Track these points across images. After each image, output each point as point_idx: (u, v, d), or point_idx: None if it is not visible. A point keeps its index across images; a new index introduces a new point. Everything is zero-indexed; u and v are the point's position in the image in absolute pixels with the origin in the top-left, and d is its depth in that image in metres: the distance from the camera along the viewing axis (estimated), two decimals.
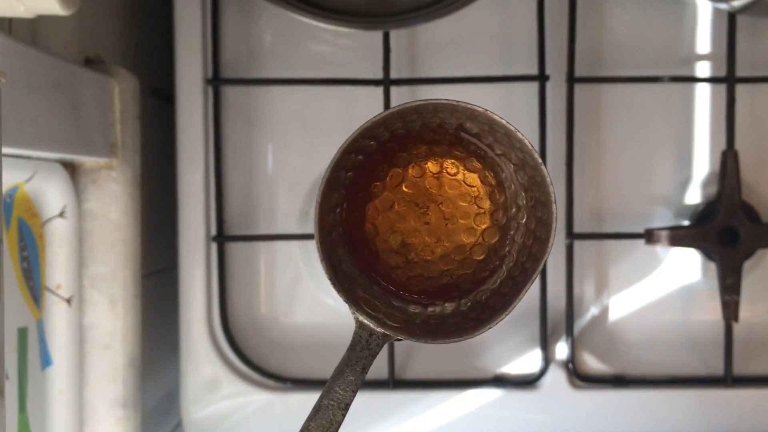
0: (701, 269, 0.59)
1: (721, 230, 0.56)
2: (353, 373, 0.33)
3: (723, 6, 0.56)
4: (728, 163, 0.56)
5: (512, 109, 0.58)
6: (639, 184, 0.59)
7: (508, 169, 0.35)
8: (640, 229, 0.57)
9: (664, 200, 0.59)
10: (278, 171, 0.59)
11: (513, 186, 0.35)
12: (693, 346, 0.59)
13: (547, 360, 0.58)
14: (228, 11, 0.59)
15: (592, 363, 0.59)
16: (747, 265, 0.57)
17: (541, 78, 0.57)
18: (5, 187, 0.44)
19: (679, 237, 0.56)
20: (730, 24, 0.57)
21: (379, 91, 0.57)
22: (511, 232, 0.36)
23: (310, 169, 0.59)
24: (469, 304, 0.36)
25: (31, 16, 0.36)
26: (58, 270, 0.49)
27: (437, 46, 0.59)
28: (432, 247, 0.36)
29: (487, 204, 0.36)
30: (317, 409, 0.33)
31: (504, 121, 0.33)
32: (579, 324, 0.59)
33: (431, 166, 0.36)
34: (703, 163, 0.59)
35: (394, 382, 0.58)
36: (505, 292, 0.35)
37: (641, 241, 0.57)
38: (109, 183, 0.52)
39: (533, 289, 0.57)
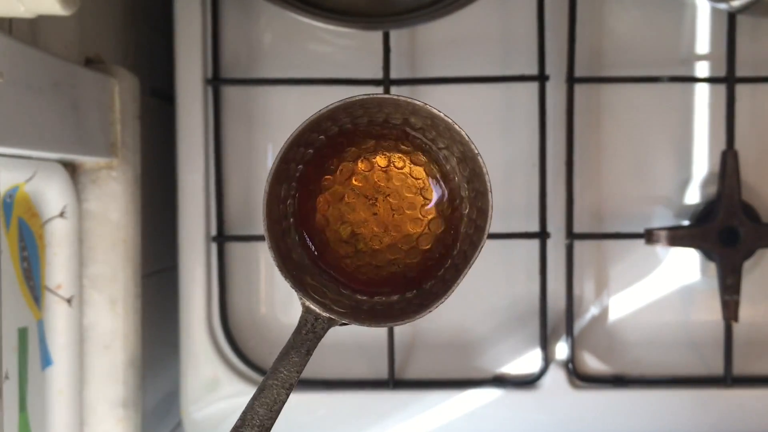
0: (701, 269, 0.59)
1: (721, 230, 0.56)
2: (298, 355, 0.35)
3: (723, 6, 0.56)
4: (728, 163, 0.56)
5: (512, 109, 0.58)
6: (639, 184, 0.59)
7: (451, 162, 0.36)
8: (640, 229, 0.57)
9: (664, 200, 0.59)
10: None
11: (456, 178, 0.36)
12: (693, 346, 0.59)
13: (547, 360, 0.58)
14: (228, 11, 0.59)
15: (592, 363, 0.59)
16: (747, 265, 0.57)
17: (541, 78, 0.57)
18: (5, 188, 0.44)
19: (679, 237, 0.56)
20: (729, 24, 0.57)
21: (379, 91, 0.57)
22: (455, 222, 0.37)
23: None
24: (414, 291, 0.37)
25: (31, 16, 0.36)
26: (58, 270, 0.49)
27: (437, 46, 0.59)
28: (380, 237, 0.37)
29: (432, 195, 0.37)
30: (262, 388, 0.34)
31: (442, 115, 0.34)
32: (579, 324, 0.59)
33: (379, 160, 0.37)
34: (703, 163, 0.59)
35: (394, 382, 0.58)
36: (448, 279, 0.36)
37: (641, 241, 0.57)
38: (109, 183, 0.52)
39: (533, 288, 0.58)
